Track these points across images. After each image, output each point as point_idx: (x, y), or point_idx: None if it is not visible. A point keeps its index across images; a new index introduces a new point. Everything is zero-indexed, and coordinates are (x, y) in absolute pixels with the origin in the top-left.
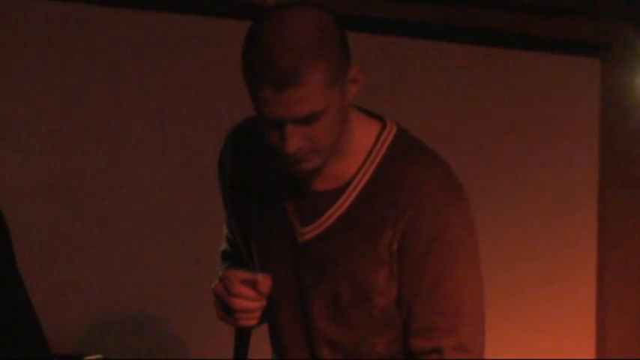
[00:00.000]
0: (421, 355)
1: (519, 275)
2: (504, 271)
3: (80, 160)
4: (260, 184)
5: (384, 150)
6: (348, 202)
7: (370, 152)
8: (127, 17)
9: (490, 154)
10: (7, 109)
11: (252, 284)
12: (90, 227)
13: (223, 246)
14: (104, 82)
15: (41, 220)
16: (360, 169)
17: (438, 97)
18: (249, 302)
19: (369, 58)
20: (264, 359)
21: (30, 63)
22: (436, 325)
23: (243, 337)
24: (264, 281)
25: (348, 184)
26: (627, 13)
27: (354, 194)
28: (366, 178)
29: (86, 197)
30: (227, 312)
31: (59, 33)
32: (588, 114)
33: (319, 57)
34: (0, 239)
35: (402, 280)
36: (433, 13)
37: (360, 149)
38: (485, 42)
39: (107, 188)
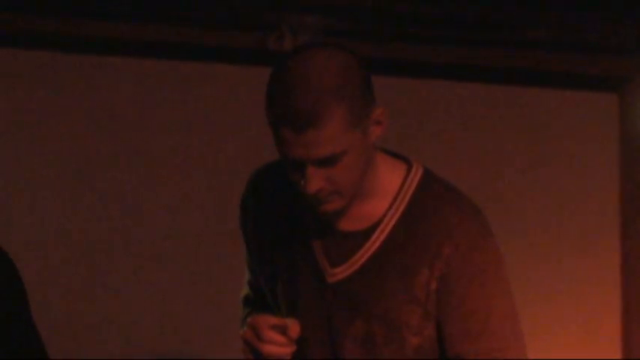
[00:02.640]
0: None
1: (542, 295)
2: (528, 305)
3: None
4: (285, 225)
5: (412, 191)
6: (378, 243)
7: (398, 193)
8: (145, 66)
9: (510, 191)
10: (17, 159)
11: (282, 330)
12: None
13: (245, 291)
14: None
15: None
16: (388, 209)
17: (457, 136)
18: (280, 348)
19: (387, 101)
20: None
21: (37, 113)
22: None
23: None
24: (294, 326)
25: (377, 225)
26: None
27: (384, 234)
28: (396, 218)
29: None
30: (257, 358)
31: (61, 83)
32: (608, 149)
33: (340, 99)
34: (16, 293)
35: (446, 320)
36: (452, 54)
37: (387, 190)
38: (503, 80)
39: (124, 209)
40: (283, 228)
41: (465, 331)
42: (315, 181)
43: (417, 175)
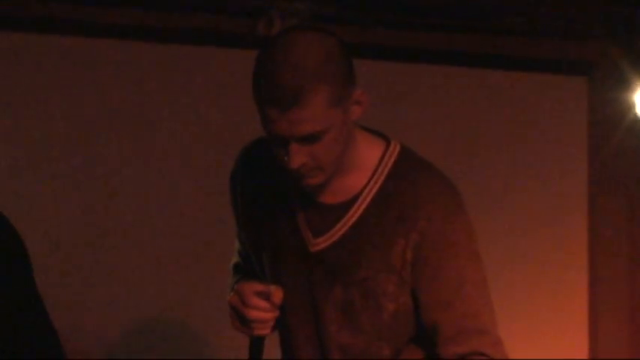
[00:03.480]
0: (459, 358)
1: (514, 280)
2: (499, 276)
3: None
4: (271, 198)
5: (389, 166)
6: (357, 215)
7: (377, 168)
8: (145, 50)
9: (486, 167)
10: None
11: (266, 296)
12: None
13: (234, 259)
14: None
15: (62, 240)
16: (367, 183)
17: (439, 115)
18: (264, 313)
19: (370, 83)
20: None
21: (40, 95)
22: (466, 329)
23: (257, 344)
24: (277, 293)
25: (356, 198)
26: (611, 34)
27: (363, 207)
28: (374, 191)
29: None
30: (242, 322)
31: (63, 66)
32: (577, 128)
33: (322, 80)
34: (21, 263)
35: (421, 289)
36: (432, 39)
37: (366, 165)
38: (481, 64)
39: (120, 197)
40: (269, 201)
41: (438, 299)
42: (298, 156)
43: (394, 151)
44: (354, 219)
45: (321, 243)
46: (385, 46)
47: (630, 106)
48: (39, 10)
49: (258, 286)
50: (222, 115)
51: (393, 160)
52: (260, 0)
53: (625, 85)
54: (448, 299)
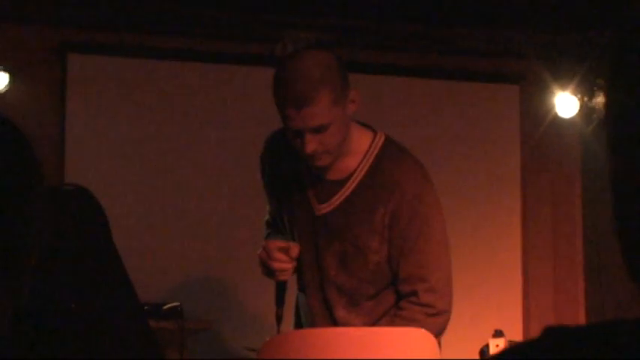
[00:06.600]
0: (405, 296)
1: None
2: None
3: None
4: (288, 176)
5: (376, 151)
6: (351, 188)
7: (367, 152)
8: (190, 68)
9: (441, 152)
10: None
11: (286, 250)
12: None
13: (266, 217)
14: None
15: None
16: (359, 164)
17: (410, 112)
18: (284, 264)
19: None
20: None
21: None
22: (413, 274)
23: (281, 287)
24: (294, 248)
25: (351, 175)
26: (538, 52)
27: (355, 183)
28: (364, 171)
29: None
30: (268, 271)
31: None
32: (511, 125)
33: (326, 85)
34: (105, 227)
35: (392, 243)
36: (404, 58)
37: (358, 150)
38: (439, 76)
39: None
40: (287, 178)
41: (399, 251)
42: (312, 144)
43: (380, 140)
44: (348, 191)
45: (324, 209)
46: (368, 63)
47: (551, 107)
48: (112, 38)
49: (280, 243)
50: (249, 116)
51: (379, 146)
52: (277, 30)
53: (548, 92)
54: (405, 252)
